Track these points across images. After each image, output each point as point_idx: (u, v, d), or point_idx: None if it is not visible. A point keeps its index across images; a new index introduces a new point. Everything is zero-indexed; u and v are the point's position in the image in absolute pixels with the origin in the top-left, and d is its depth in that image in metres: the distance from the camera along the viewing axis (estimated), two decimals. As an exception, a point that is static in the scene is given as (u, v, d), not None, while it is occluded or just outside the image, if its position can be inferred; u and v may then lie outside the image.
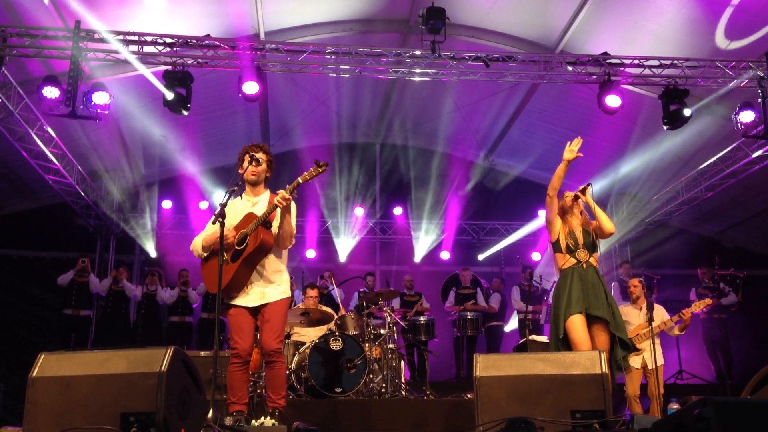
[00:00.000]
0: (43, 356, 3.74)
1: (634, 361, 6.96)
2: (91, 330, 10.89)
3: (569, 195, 5.26)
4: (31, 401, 3.59)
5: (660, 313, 7.30)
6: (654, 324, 7.01)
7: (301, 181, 4.43)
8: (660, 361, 7.05)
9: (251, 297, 4.59)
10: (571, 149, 5.22)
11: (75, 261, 10.51)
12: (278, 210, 4.50)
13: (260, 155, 4.75)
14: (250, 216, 4.60)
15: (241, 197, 4.83)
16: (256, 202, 4.75)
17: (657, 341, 7.15)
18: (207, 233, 4.72)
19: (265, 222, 4.52)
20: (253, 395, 5.96)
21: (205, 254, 4.69)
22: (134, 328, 10.63)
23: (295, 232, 4.71)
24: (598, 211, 5.11)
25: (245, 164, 4.71)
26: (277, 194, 4.43)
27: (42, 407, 3.57)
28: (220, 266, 4.33)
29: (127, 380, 3.55)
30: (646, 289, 7.55)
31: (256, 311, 4.62)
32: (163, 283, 10.81)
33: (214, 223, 4.42)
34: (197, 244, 4.73)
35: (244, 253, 4.51)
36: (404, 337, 8.94)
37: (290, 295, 4.77)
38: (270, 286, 4.63)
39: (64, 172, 10.08)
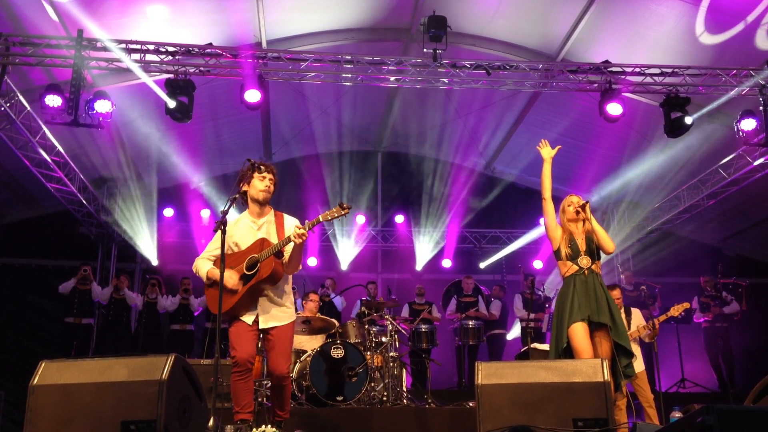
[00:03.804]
0: (43, 364, 3.74)
1: None
2: (92, 338, 10.88)
3: (572, 204, 5.22)
4: (32, 409, 3.58)
5: (637, 318, 7.31)
6: (631, 330, 7.03)
7: (321, 220, 4.42)
8: (640, 367, 7.04)
9: (260, 318, 4.56)
10: (548, 148, 5.35)
11: (77, 269, 10.51)
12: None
13: (272, 176, 4.69)
14: (263, 242, 4.55)
15: (239, 213, 4.78)
16: (261, 224, 4.68)
17: (636, 346, 7.14)
18: (211, 254, 4.68)
19: (277, 252, 4.49)
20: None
21: (208, 283, 4.63)
22: (135, 336, 10.61)
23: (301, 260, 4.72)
24: (597, 229, 5.08)
25: (256, 182, 4.62)
26: (295, 230, 4.37)
27: (42, 415, 3.57)
28: (221, 274, 4.33)
29: (128, 388, 3.55)
30: (650, 298, 7.54)
31: (261, 330, 4.60)
32: (163, 291, 10.79)
33: (215, 231, 4.39)
34: (201, 268, 4.65)
35: (254, 280, 4.48)
36: (407, 345, 8.93)
37: (295, 319, 4.78)
38: (278, 309, 4.62)
39: (66, 180, 10.10)
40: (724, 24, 8.72)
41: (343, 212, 4.40)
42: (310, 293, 8.03)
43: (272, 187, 4.68)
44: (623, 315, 7.05)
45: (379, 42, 10.37)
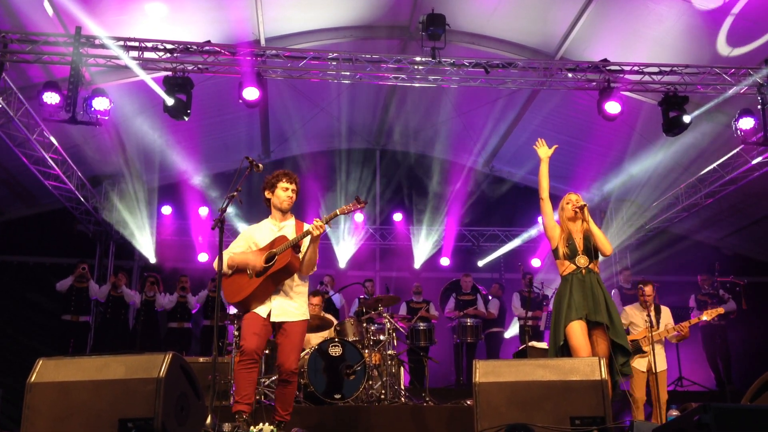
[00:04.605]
0: (41, 362, 3.73)
1: (640, 364, 6.94)
2: (90, 336, 10.86)
3: (570, 202, 5.22)
4: (29, 407, 3.58)
5: (666, 317, 7.28)
6: (660, 329, 7.02)
7: (338, 213, 4.62)
8: (663, 366, 7.04)
9: (273, 311, 4.65)
10: (545, 147, 5.35)
11: (74, 267, 10.50)
12: (308, 237, 4.64)
13: (295, 186, 4.88)
14: (281, 238, 4.71)
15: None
16: (282, 227, 4.85)
17: (661, 346, 7.13)
18: (233, 251, 4.79)
19: (295, 246, 4.64)
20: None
21: (230, 272, 4.73)
22: (133, 334, 10.61)
23: (317, 259, 4.83)
24: (596, 231, 5.08)
25: (280, 192, 4.81)
26: (314, 222, 4.56)
27: (40, 413, 3.57)
28: (219, 271, 4.36)
29: (126, 386, 3.55)
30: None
31: (273, 324, 4.68)
32: (161, 289, 10.78)
33: (213, 228, 4.48)
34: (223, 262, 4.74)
35: (270, 270, 4.58)
36: (406, 343, 8.94)
37: (308, 318, 4.87)
38: (292, 305, 4.72)
39: (64, 177, 10.09)
40: (751, 32, 8.68)
41: (359, 206, 4.64)
42: (310, 295, 8.01)
43: (294, 197, 4.90)
44: (653, 313, 7.06)
45: (378, 40, 10.36)
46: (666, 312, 7.33)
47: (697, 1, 8.47)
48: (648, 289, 7.18)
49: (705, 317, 7.28)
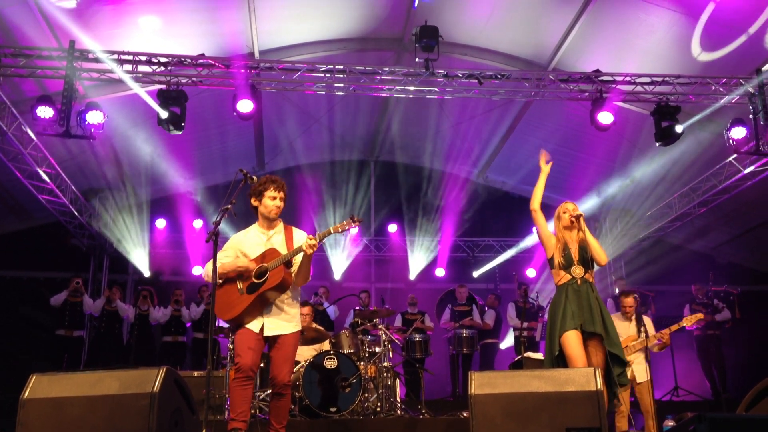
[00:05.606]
0: (34, 377, 3.71)
1: None
2: (84, 350, 10.81)
3: (567, 211, 5.22)
4: (22, 423, 3.56)
5: (648, 328, 7.29)
6: (640, 338, 7.02)
7: (332, 231, 4.54)
8: (646, 377, 7.02)
9: (265, 326, 4.59)
10: (546, 159, 5.35)
11: (68, 281, 10.45)
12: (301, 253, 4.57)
13: (283, 194, 4.78)
14: (273, 252, 4.62)
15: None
16: (271, 236, 4.77)
17: (643, 355, 7.12)
18: (221, 262, 4.70)
19: (287, 262, 4.57)
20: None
21: (220, 281, 4.67)
22: (127, 349, 10.55)
23: (311, 272, 4.78)
24: (591, 241, 5.08)
25: (267, 201, 4.70)
26: (307, 240, 4.46)
27: (33, 429, 3.55)
28: (213, 285, 4.35)
29: (119, 401, 3.53)
30: (641, 306, 7.51)
31: (266, 338, 4.63)
32: (155, 302, 10.73)
33: (207, 241, 4.44)
34: (210, 270, 4.67)
35: (262, 288, 4.52)
36: (401, 355, 8.93)
37: (301, 329, 4.82)
38: (284, 318, 4.66)
39: (57, 191, 10.06)
40: (723, 38, 8.76)
41: (354, 224, 4.53)
42: (300, 306, 7.99)
43: (282, 205, 4.78)
44: (635, 324, 7.05)
45: (372, 52, 10.41)
46: (647, 322, 7.34)
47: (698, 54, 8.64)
48: (629, 300, 7.18)
49: (684, 324, 7.26)
